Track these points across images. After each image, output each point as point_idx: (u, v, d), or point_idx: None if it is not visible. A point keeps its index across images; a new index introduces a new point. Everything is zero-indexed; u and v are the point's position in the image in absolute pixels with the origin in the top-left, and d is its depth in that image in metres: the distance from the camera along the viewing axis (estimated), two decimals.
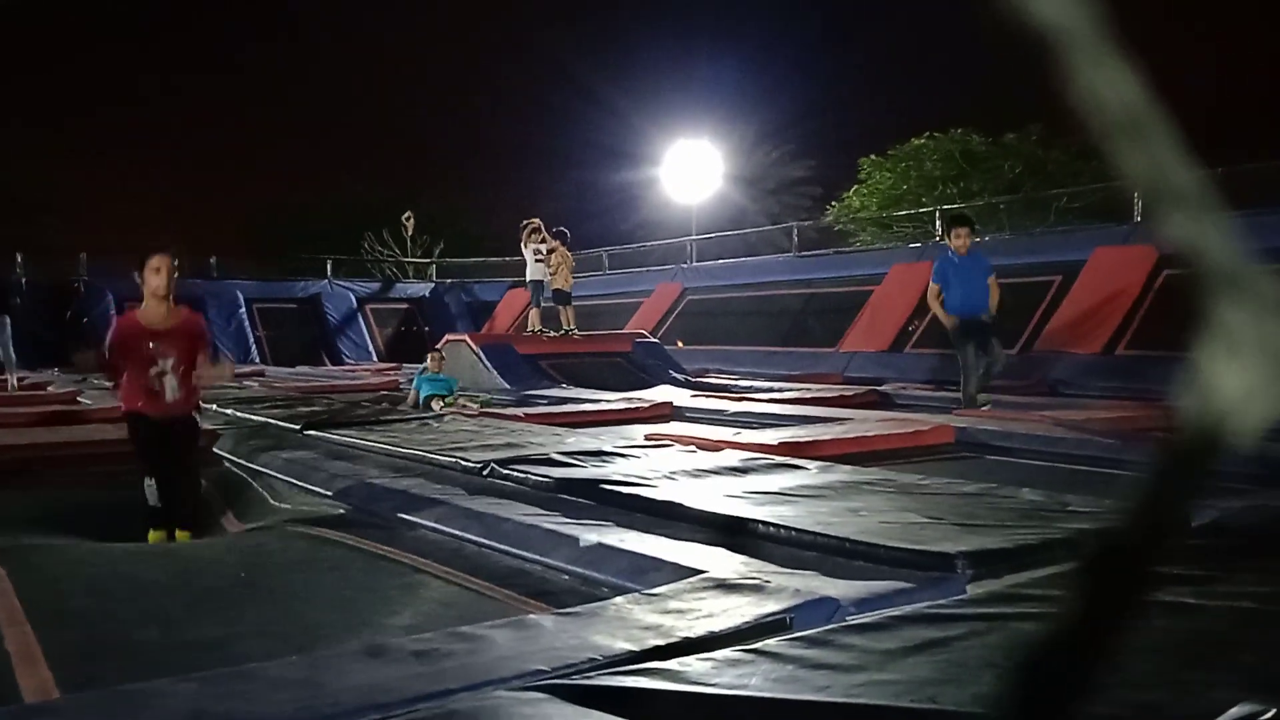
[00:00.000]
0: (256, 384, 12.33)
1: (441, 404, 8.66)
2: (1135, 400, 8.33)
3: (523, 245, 12.29)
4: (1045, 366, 11.35)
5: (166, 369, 4.34)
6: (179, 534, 4.25)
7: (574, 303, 12.59)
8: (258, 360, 18.61)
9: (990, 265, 7.86)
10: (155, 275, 4.38)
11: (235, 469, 5.52)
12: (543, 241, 12.09)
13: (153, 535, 4.22)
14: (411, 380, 9.76)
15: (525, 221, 12.27)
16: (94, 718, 1.71)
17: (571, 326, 12.28)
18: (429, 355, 9.74)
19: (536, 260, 12.09)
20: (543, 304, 12.40)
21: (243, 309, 19.70)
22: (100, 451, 6.10)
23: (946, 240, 7.93)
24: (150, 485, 4.24)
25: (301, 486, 4.84)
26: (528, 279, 12.34)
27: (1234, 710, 1.47)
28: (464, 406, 8.49)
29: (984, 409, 7.25)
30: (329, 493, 4.61)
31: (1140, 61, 0.52)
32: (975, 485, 3.88)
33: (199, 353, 4.52)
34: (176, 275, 4.54)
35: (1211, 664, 1.84)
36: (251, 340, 19.33)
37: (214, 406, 8.49)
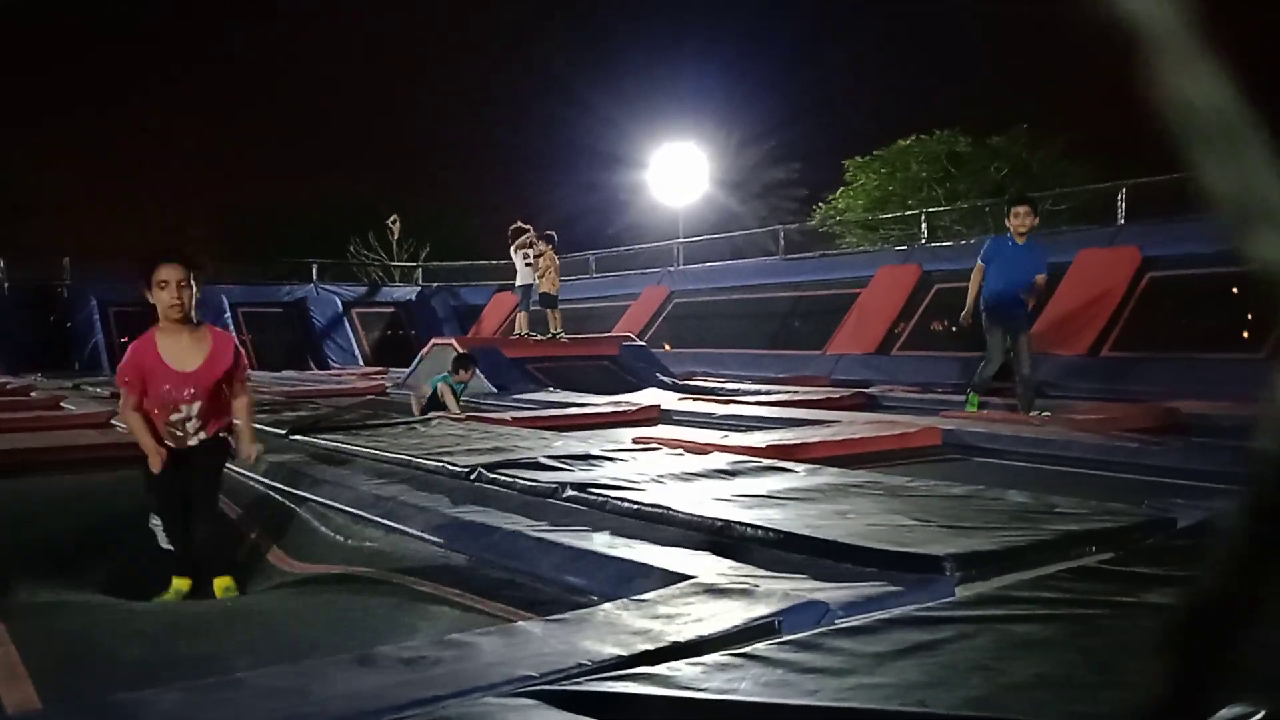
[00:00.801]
0: None
1: (456, 402, 8.43)
2: (1120, 401, 8.39)
3: (511, 249, 12.24)
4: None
5: (191, 415, 3.75)
6: (219, 582, 3.63)
7: (561, 306, 12.59)
8: None
9: (1045, 261, 7.43)
10: (164, 291, 3.58)
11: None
12: (531, 245, 12.06)
13: (176, 584, 3.64)
14: (420, 384, 9.29)
15: (514, 225, 12.22)
16: None
17: (559, 330, 12.25)
18: (461, 369, 9.00)
19: (526, 264, 12.04)
20: (531, 308, 12.37)
21: (227, 313, 19.60)
22: (83, 458, 6.07)
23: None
24: (157, 525, 3.70)
25: (285, 491, 4.82)
26: (517, 283, 12.28)
27: (1224, 712, 1.47)
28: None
29: (1036, 415, 6.94)
30: (314, 496, 4.59)
31: (1230, 62, 0.51)
32: (962, 487, 3.89)
33: (235, 380, 3.91)
34: (196, 291, 3.71)
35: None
36: (237, 344, 19.22)
37: None
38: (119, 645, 2.54)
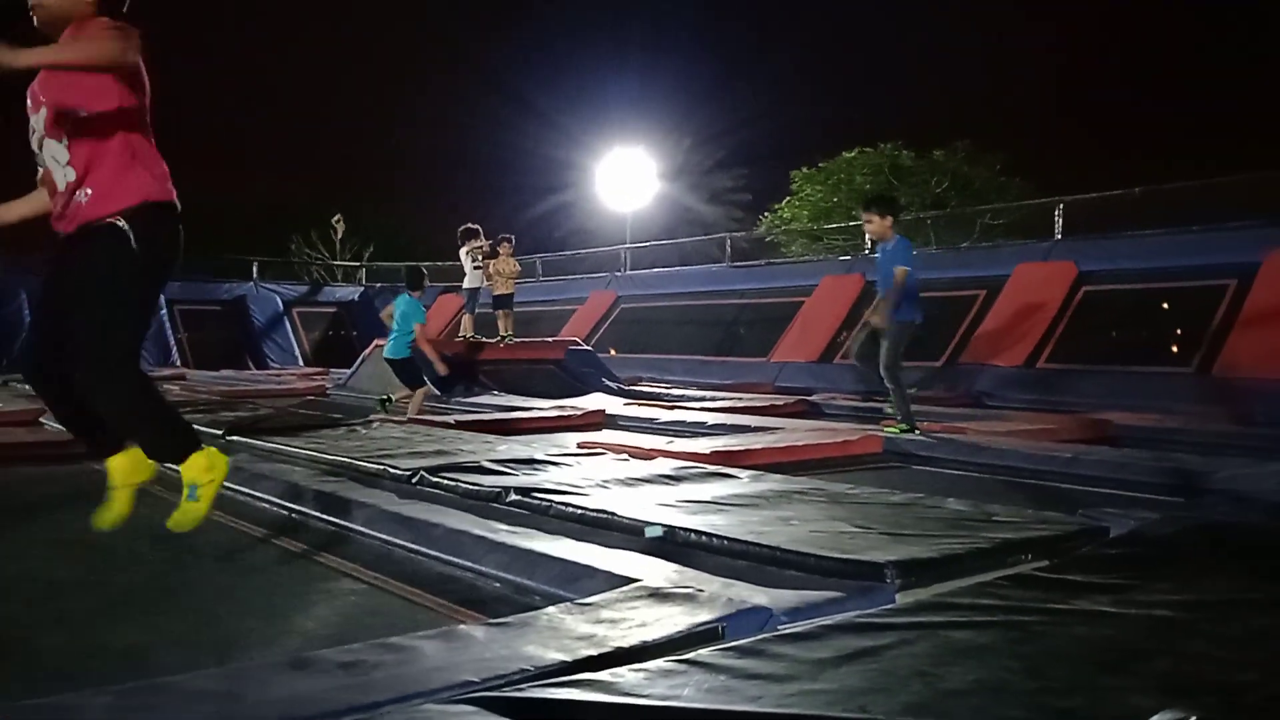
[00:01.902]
0: (178, 388, 12.01)
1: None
2: (1055, 412, 8.57)
3: (461, 251, 12.04)
4: (969, 378, 11.61)
5: (48, 156, 2.82)
6: (115, 460, 2.97)
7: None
8: (179, 363, 18.12)
9: (903, 257, 6.66)
10: None
11: None
12: (480, 249, 11.90)
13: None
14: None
15: (466, 226, 12.05)
16: None
17: (509, 332, 12.13)
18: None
19: (475, 267, 11.84)
20: (476, 310, 12.22)
21: (163, 310, 19.16)
22: (10, 456, 5.89)
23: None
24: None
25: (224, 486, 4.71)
26: (464, 285, 12.08)
27: (1156, 717, 1.51)
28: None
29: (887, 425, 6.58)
30: (253, 493, 4.51)
31: None
32: (903, 495, 3.94)
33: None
34: None
35: (1128, 671, 1.89)
36: (173, 342, 18.83)
37: None
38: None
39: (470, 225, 11.96)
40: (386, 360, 8.65)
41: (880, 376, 6.53)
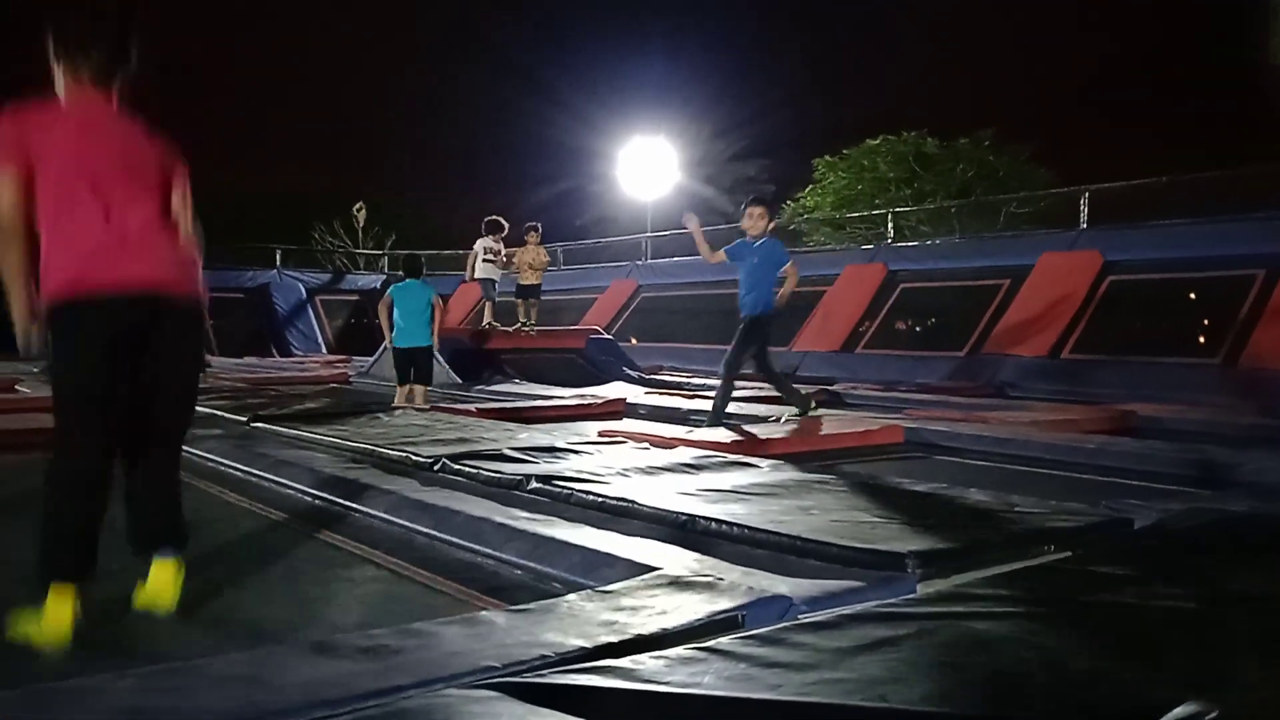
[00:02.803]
0: (203, 375, 12.09)
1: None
2: (1079, 403, 8.50)
3: (478, 243, 11.72)
4: (992, 368, 11.54)
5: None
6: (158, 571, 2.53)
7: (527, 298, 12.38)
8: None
9: (785, 257, 6.91)
10: None
11: None
12: (498, 240, 11.59)
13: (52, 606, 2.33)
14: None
15: (491, 217, 11.88)
16: (27, 716, 1.66)
17: (530, 321, 11.96)
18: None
19: (484, 260, 11.59)
20: (495, 300, 12.11)
21: None
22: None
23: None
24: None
25: (248, 472, 4.77)
26: (477, 277, 11.74)
27: (1178, 710, 1.50)
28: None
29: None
30: (277, 479, 4.55)
31: None
32: (924, 485, 3.92)
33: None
34: None
35: (1151, 663, 1.88)
36: None
37: None
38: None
39: (494, 217, 11.83)
40: (406, 350, 8.13)
41: (768, 371, 6.76)
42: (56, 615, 2.33)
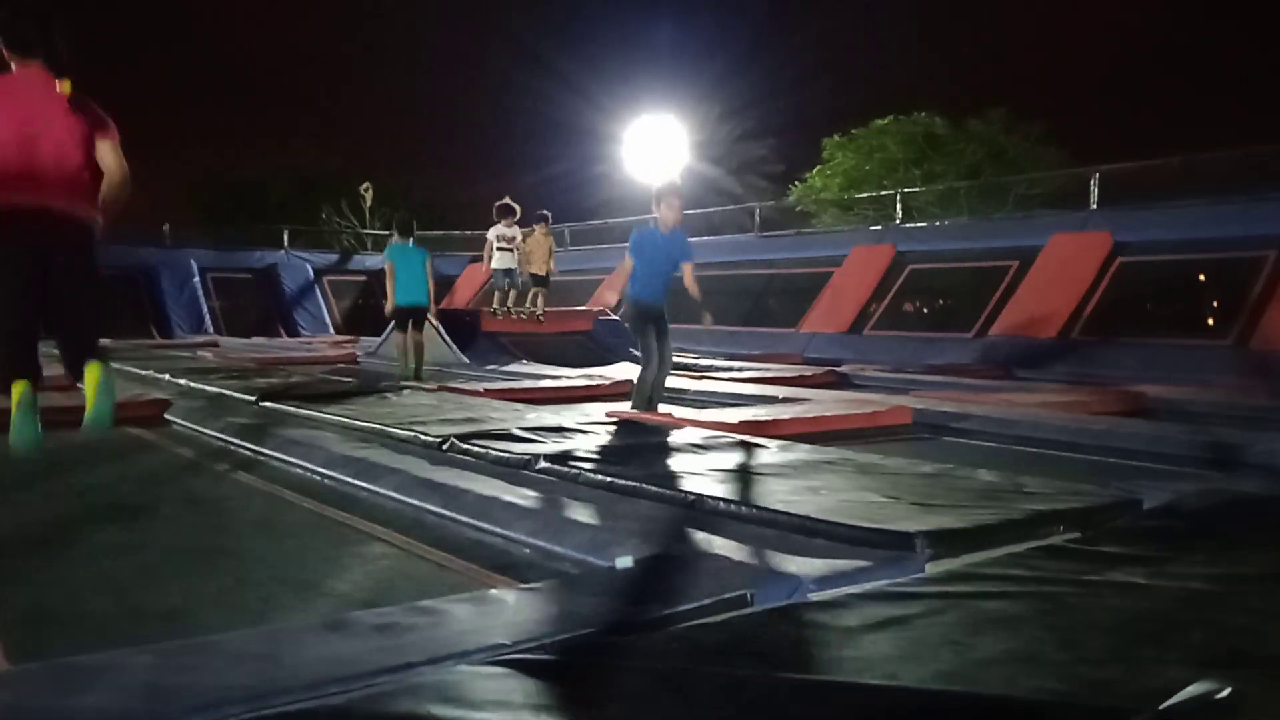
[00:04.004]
0: (211, 354, 12.15)
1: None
2: (1089, 384, 8.48)
3: (491, 232, 11.48)
4: (1001, 350, 11.51)
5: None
6: (88, 373, 3.45)
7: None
8: (212, 331, 18.32)
9: (691, 250, 6.70)
10: None
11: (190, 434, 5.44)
12: (510, 225, 11.38)
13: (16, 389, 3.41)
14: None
15: (503, 201, 11.47)
16: (47, 690, 1.67)
17: (540, 311, 11.80)
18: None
19: (500, 248, 11.29)
20: (510, 289, 11.73)
21: (196, 278, 19.36)
22: None
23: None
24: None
25: (257, 451, 4.79)
26: (493, 266, 11.47)
27: (1191, 688, 1.50)
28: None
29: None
30: (287, 458, 4.56)
31: None
32: (933, 466, 3.92)
33: None
34: None
35: (1162, 642, 1.88)
36: (205, 310, 19.03)
37: (166, 376, 8.36)
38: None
39: (505, 201, 11.49)
40: (408, 306, 8.74)
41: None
42: (16, 394, 3.38)
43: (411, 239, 9.13)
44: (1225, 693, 1.48)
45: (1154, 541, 2.70)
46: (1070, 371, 10.07)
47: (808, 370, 9.95)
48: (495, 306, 11.82)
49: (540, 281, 11.84)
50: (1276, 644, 1.87)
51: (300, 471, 4.37)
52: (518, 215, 11.49)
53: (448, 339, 11.34)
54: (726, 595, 2.23)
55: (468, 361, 10.82)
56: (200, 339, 16.71)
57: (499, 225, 11.42)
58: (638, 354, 11.66)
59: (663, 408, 6.36)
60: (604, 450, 4.25)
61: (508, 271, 11.55)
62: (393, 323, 9.22)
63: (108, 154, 3.61)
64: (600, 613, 2.09)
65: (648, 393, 6.22)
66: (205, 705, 1.59)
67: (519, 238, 11.52)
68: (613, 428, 5.06)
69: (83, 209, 3.57)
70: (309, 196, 32.60)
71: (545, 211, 12.06)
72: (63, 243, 3.51)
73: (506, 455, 4.18)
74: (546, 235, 11.94)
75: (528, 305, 11.88)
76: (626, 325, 6.34)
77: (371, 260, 22.68)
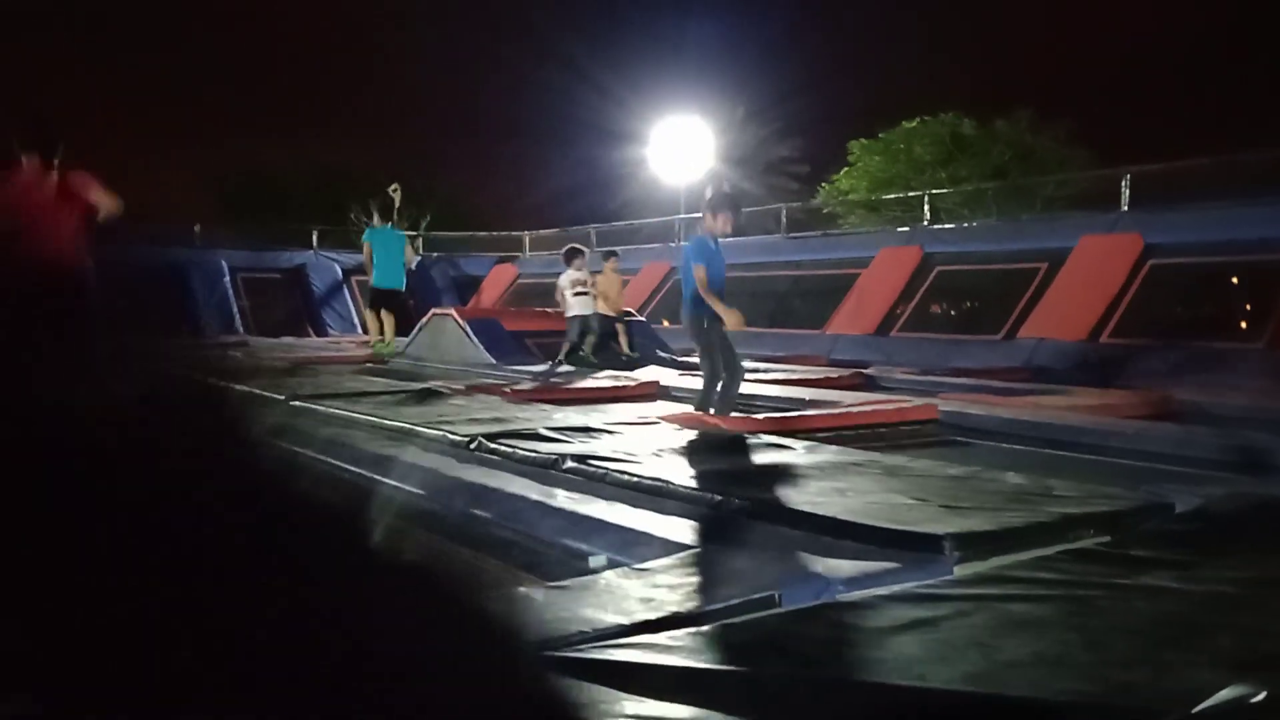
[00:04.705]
0: (241, 354, 12.27)
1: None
2: (1118, 388, 8.40)
3: (563, 278, 10.38)
4: (1029, 352, 11.42)
5: None
6: None
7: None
8: (241, 330, 18.49)
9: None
10: None
11: None
12: (581, 269, 10.26)
13: None
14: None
15: (569, 246, 10.53)
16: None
17: (631, 352, 10.68)
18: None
19: (575, 294, 10.16)
20: (592, 334, 10.50)
21: (226, 278, 19.55)
22: None
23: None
24: None
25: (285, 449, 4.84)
26: (569, 313, 10.25)
27: (1224, 692, 1.49)
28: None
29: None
30: (316, 456, 4.61)
31: None
32: (960, 468, 3.91)
33: None
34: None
35: (1190, 646, 1.87)
36: (235, 310, 19.21)
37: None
38: None
39: (573, 245, 10.61)
40: (386, 290, 8.95)
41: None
42: None
43: (391, 223, 9.27)
44: (1260, 696, 1.47)
45: (1184, 545, 2.68)
46: (1099, 374, 9.98)
47: (834, 372, 9.92)
48: (584, 352, 10.46)
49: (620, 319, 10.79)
50: None
51: (328, 470, 4.41)
52: (586, 257, 10.64)
53: (473, 338, 11.39)
54: (754, 596, 2.24)
55: (493, 361, 10.87)
56: (231, 338, 16.87)
57: (570, 271, 10.42)
58: (664, 355, 11.73)
59: (688, 409, 6.36)
60: (631, 450, 4.26)
61: (583, 319, 10.44)
62: (379, 308, 9.40)
63: (98, 194, 5.19)
64: (628, 611, 2.11)
65: (734, 401, 6.06)
66: None
67: (590, 280, 10.49)
68: (639, 428, 5.08)
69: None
70: (337, 195, 32.82)
71: (614, 249, 11.53)
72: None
73: (534, 455, 4.20)
74: (616, 271, 11.23)
75: (623, 347, 10.78)
76: (698, 342, 5.98)
77: None
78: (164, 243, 19.93)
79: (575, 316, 10.28)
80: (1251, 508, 3.24)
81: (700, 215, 6.09)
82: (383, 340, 8.91)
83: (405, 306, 8.92)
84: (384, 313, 9.00)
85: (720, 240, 6.20)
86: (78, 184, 5.11)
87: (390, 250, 9.05)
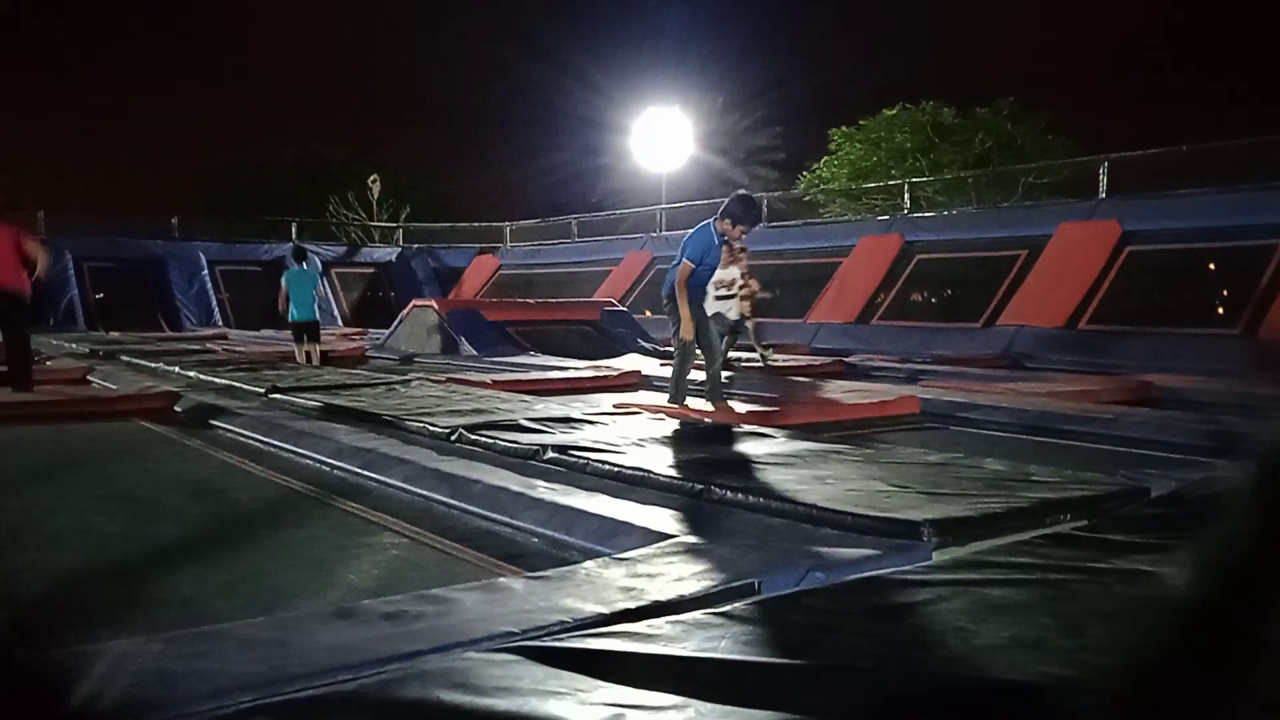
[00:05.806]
0: (220, 348, 12.18)
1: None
2: (1097, 374, 8.47)
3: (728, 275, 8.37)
4: (1009, 339, 11.49)
5: None
6: None
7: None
8: (220, 323, 18.37)
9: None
10: None
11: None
12: (726, 268, 8.08)
13: None
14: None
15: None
16: (59, 677, 1.69)
17: (767, 351, 9.76)
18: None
19: (718, 297, 8.25)
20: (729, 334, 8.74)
21: (205, 271, 19.41)
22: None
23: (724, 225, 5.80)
24: None
25: (266, 442, 4.81)
26: (710, 312, 7.30)
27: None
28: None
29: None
30: (296, 449, 4.59)
31: None
32: (940, 455, 3.93)
33: None
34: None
35: (1167, 629, 1.88)
36: (214, 303, 19.08)
37: (176, 369, 8.40)
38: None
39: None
40: (301, 322, 10.34)
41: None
42: None
43: (305, 263, 10.78)
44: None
45: (1160, 529, 2.70)
46: (1078, 361, 10.05)
47: (815, 360, 9.94)
48: (761, 352, 9.58)
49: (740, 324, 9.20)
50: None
51: (309, 462, 4.39)
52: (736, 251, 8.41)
53: (453, 330, 11.36)
54: (735, 583, 2.25)
55: (475, 352, 10.84)
56: (209, 331, 16.76)
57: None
58: (645, 345, 11.74)
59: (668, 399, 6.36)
60: (611, 440, 4.26)
61: (723, 319, 8.51)
62: (301, 336, 10.54)
63: (33, 248, 6.59)
64: (608, 600, 2.11)
65: (720, 388, 6.02)
66: (216, 692, 1.61)
67: (738, 280, 8.70)
68: (619, 418, 5.08)
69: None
70: (316, 187, 32.59)
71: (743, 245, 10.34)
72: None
73: (515, 445, 4.19)
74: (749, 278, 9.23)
75: (759, 351, 9.75)
76: (681, 334, 5.76)
77: (380, 252, 22.72)
78: (140, 235, 19.80)
79: (711, 316, 7.45)
80: (1225, 491, 3.27)
81: (717, 216, 5.93)
82: (306, 364, 10.23)
83: (317, 331, 10.67)
84: (306, 341, 10.45)
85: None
86: (18, 233, 6.55)
87: (303, 288, 10.36)
